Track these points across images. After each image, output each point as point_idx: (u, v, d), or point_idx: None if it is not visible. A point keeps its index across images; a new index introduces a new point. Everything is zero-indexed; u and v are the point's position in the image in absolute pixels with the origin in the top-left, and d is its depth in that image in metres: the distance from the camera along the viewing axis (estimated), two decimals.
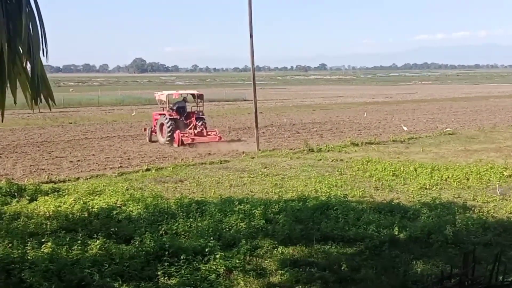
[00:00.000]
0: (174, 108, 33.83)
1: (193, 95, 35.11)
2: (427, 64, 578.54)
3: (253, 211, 14.04)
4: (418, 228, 12.86)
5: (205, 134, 32.26)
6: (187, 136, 31.38)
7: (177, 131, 31.43)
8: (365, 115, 50.70)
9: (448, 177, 19.93)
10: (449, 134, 35.23)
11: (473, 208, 15.29)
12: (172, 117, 32.47)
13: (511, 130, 37.80)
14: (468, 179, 19.62)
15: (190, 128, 32.25)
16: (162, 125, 32.53)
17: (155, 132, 33.40)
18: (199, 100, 34.56)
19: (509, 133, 35.85)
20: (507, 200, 16.49)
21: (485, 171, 20.65)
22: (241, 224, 13.13)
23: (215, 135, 32.37)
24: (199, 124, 32.53)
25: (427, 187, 18.58)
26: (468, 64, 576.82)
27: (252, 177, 21.04)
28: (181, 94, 35.33)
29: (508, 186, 18.69)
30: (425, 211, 14.38)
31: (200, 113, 33.64)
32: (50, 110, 8.87)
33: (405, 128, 37.49)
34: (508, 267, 9.41)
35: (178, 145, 30.84)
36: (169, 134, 31.60)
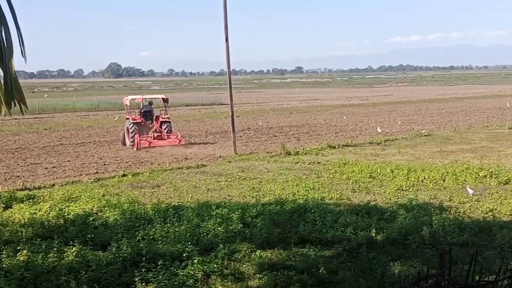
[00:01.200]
0: (141, 112, 34.56)
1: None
2: (402, 66, 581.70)
3: (230, 215, 14.03)
4: (395, 229, 12.93)
5: (165, 137, 32.79)
6: (145, 140, 31.91)
7: (136, 135, 31.98)
8: (344, 117, 50.87)
9: (424, 178, 20.06)
10: (425, 135, 35.47)
11: (449, 209, 15.40)
12: (135, 121, 33.20)
13: (486, 130, 38.14)
14: (444, 180, 19.76)
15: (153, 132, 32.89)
16: (128, 129, 33.20)
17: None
18: (165, 104, 35.65)
19: (484, 133, 36.17)
20: (482, 201, 16.64)
21: (461, 171, 20.78)
22: (218, 228, 13.10)
23: (175, 138, 32.77)
24: (164, 128, 33.23)
25: (403, 188, 18.69)
26: (443, 66, 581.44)
27: (230, 181, 21.01)
28: (144, 98, 35.97)
29: (483, 186, 18.87)
30: (402, 212, 14.45)
31: (166, 117, 34.24)
32: (23, 114, 8.81)
33: (379, 130, 37.66)
34: (484, 267, 9.47)
35: (137, 149, 31.34)
36: (132, 137, 32.27)
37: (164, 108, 35.65)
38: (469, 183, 18.39)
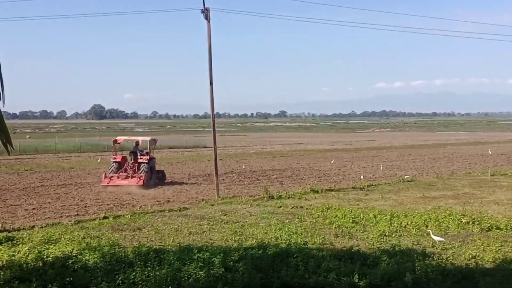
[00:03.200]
0: (129, 152, 36.40)
1: (138, 141, 38.05)
2: (385, 111, 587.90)
3: (212, 259, 13.85)
4: (378, 275, 12.82)
5: (129, 177, 33.87)
6: (106, 178, 33.80)
7: (104, 174, 34.56)
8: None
9: (407, 224, 20.05)
10: (408, 181, 35.54)
11: (432, 255, 15.32)
12: (115, 160, 35.11)
13: (469, 177, 38.28)
14: (427, 226, 19.76)
15: (121, 172, 34.51)
16: None
17: None
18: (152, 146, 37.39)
19: (467, 180, 36.31)
20: (465, 248, 16.62)
21: (443, 218, 20.82)
22: (200, 272, 12.92)
23: (137, 178, 33.44)
24: (140, 168, 34.16)
25: (386, 234, 18.65)
26: (426, 112, 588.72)
27: (212, 225, 20.89)
28: (125, 139, 38.30)
29: (466, 233, 18.89)
30: (385, 258, 14.36)
31: (144, 158, 35.09)
32: (9, 154, 8.75)
33: (361, 177, 37.67)
34: None
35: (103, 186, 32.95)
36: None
37: (149, 150, 36.65)
38: (431, 230, 18.36)
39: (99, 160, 53.74)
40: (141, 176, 33.59)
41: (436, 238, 17.29)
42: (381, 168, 44.04)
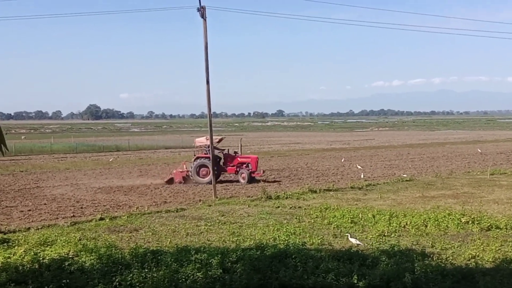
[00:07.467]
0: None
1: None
2: (383, 110, 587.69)
3: (210, 261, 13.75)
4: (377, 276, 12.72)
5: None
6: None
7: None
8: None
9: (406, 224, 19.95)
10: (407, 180, 35.40)
11: (431, 255, 15.23)
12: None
13: (468, 176, 38.17)
14: (426, 226, 19.66)
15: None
16: None
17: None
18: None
19: (466, 179, 36.20)
20: (465, 247, 16.52)
21: (443, 217, 20.70)
22: (197, 274, 12.83)
23: (166, 176, 36.99)
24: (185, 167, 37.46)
25: (385, 234, 18.56)
26: (424, 111, 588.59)
27: (209, 226, 20.77)
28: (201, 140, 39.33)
29: (465, 233, 18.80)
30: (384, 258, 14.25)
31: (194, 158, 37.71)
32: (3, 155, 8.61)
33: (362, 175, 37.48)
34: None
35: None
36: None
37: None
38: (350, 234, 18.09)
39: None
40: (170, 176, 36.75)
41: (354, 241, 17.09)
42: (377, 168, 43.76)
